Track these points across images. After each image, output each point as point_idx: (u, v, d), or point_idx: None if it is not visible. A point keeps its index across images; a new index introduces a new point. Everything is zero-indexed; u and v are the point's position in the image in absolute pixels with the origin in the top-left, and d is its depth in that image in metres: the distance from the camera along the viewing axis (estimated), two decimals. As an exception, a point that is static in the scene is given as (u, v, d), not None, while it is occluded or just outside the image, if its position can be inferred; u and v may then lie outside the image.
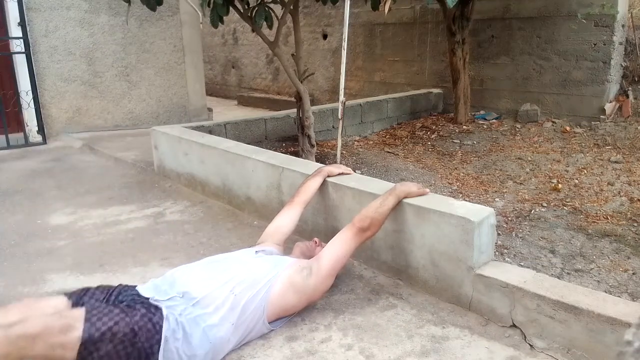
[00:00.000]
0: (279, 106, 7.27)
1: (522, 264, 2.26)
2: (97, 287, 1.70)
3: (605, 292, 1.97)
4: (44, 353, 1.37)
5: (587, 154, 4.08)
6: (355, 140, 4.80)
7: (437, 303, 2.01)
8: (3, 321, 1.38)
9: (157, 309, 1.57)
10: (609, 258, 2.34)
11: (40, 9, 5.03)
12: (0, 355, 1.33)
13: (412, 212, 2.05)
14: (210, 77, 10.09)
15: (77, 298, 1.61)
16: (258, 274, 1.76)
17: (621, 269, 2.22)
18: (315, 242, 2.15)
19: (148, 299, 1.62)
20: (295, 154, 3.71)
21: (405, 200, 2.06)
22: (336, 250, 1.89)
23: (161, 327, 1.52)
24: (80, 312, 1.45)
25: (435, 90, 5.92)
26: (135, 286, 1.72)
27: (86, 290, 1.66)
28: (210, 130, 3.94)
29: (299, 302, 1.84)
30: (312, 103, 4.52)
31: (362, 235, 1.93)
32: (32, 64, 4.95)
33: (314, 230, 2.55)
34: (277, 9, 3.59)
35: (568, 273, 2.20)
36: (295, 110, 3.95)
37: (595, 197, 3.17)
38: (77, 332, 1.39)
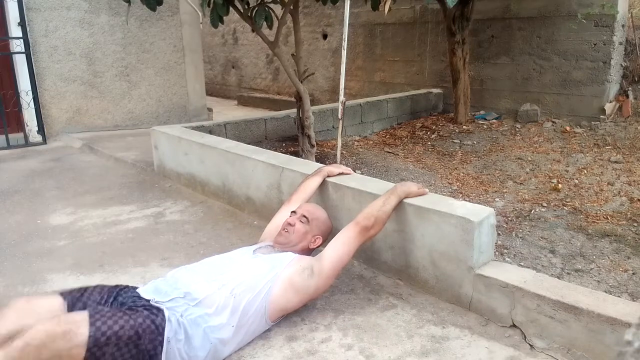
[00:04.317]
0: (279, 106, 7.27)
1: (522, 264, 2.26)
2: (95, 288, 1.68)
3: (605, 292, 1.97)
4: None
5: (587, 154, 4.07)
6: (355, 140, 4.80)
7: (437, 303, 2.01)
8: (1, 332, 1.37)
9: (159, 310, 1.57)
10: (609, 258, 2.33)
11: (40, 9, 5.03)
12: None
13: (412, 212, 2.05)
14: (210, 77, 10.08)
15: (74, 299, 1.59)
16: (257, 276, 1.76)
17: (621, 269, 2.22)
18: (290, 223, 2.01)
19: (149, 300, 1.62)
20: (295, 154, 3.70)
21: (406, 200, 2.06)
22: (339, 250, 1.87)
23: (164, 328, 1.53)
24: (84, 315, 1.42)
25: (435, 90, 5.92)
26: (136, 287, 1.72)
27: (83, 290, 1.64)
28: (210, 130, 3.94)
29: (300, 302, 1.84)
30: (312, 103, 4.52)
31: (366, 234, 1.91)
32: (32, 64, 4.95)
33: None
34: (277, 9, 3.59)
35: (568, 273, 2.20)
36: (295, 110, 3.95)
37: (595, 197, 3.17)
38: (82, 337, 1.36)
